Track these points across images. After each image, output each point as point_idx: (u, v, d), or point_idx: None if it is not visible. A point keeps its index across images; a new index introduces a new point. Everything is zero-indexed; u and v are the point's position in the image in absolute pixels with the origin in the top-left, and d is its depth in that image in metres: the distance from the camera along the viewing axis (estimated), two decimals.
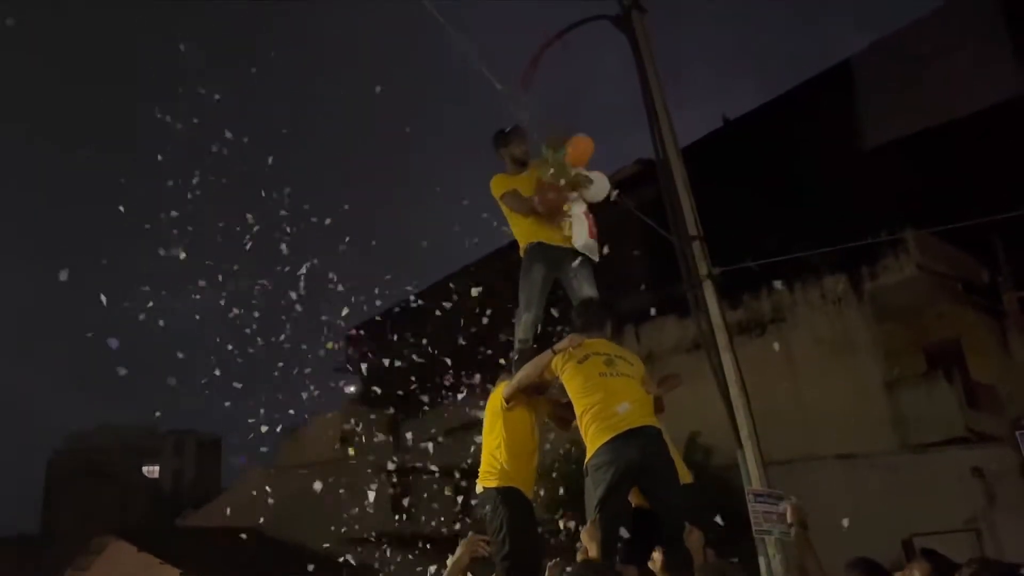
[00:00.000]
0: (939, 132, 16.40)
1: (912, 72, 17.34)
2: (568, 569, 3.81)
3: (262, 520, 21.00)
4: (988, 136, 15.40)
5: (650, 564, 3.62)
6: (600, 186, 5.10)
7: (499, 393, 4.54)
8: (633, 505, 4.07)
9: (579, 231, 4.94)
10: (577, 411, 4.16)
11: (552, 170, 4.93)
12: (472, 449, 4.63)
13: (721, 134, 21.36)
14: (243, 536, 20.22)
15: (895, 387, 15.40)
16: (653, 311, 19.58)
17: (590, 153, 5.02)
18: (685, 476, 4.31)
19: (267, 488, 23.55)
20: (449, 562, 3.72)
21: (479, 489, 4.42)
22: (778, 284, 15.93)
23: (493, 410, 4.53)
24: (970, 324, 16.18)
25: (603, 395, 4.06)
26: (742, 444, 6.98)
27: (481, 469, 4.45)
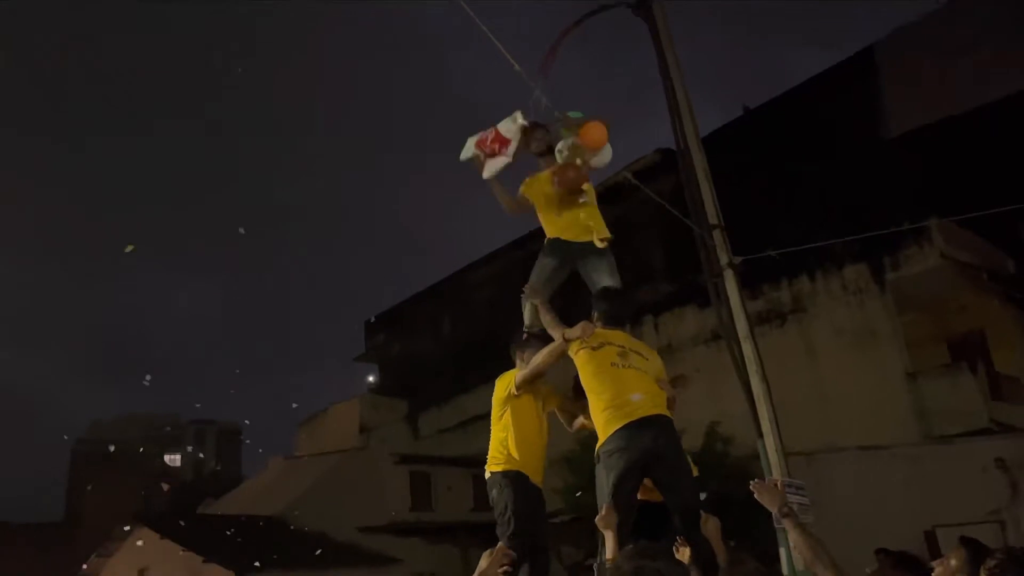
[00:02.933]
0: (964, 119, 16.17)
1: (936, 60, 17.11)
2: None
3: (282, 508, 21.17)
4: (1013, 123, 15.18)
5: (678, 558, 3.59)
6: (606, 152, 5.18)
7: (506, 381, 4.55)
8: (639, 499, 4.05)
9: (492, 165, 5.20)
10: (588, 398, 4.16)
11: (567, 152, 4.97)
12: (487, 438, 4.64)
13: (742, 123, 21.21)
14: (263, 524, 20.42)
15: (918, 378, 15.26)
16: (673, 301, 19.55)
17: (605, 138, 5.05)
18: (692, 469, 4.29)
19: (287, 476, 23.77)
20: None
21: (487, 475, 4.47)
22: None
23: (499, 398, 4.56)
24: (995, 315, 15.99)
25: (613, 384, 4.05)
26: (763, 434, 6.93)
27: (489, 456, 4.50)
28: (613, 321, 4.47)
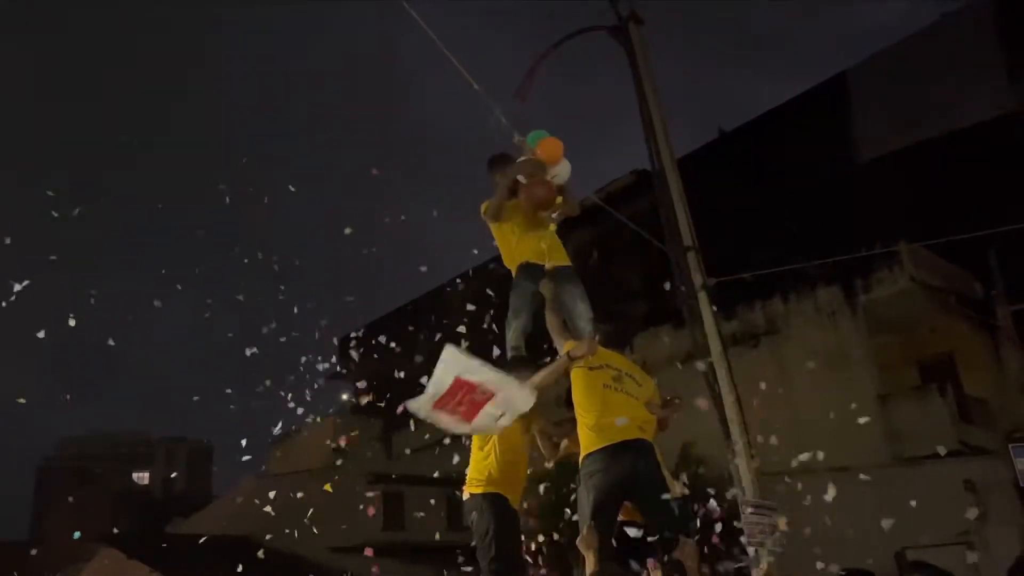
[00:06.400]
0: (934, 146, 16.44)
1: (907, 86, 17.41)
2: None
3: (253, 528, 20.90)
4: (982, 150, 15.45)
5: None
6: (565, 167, 5.13)
7: None
8: (621, 519, 4.07)
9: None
10: (576, 413, 4.18)
11: (529, 169, 4.95)
12: (462, 458, 4.61)
13: (716, 146, 21.40)
14: (234, 544, 20.13)
15: (888, 400, 15.38)
16: (647, 321, 19.61)
17: (560, 152, 5.01)
18: (676, 490, 4.29)
19: (259, 496, 23.45)
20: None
21: (465, 496, 4.43)
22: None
23: None
24: (963, 338, 16.18)
25: (601, 405, 4.07)
26: (736, 455, 6.97)
27: (469, 476, 4.47)
28: (614, 342, 4.51)
